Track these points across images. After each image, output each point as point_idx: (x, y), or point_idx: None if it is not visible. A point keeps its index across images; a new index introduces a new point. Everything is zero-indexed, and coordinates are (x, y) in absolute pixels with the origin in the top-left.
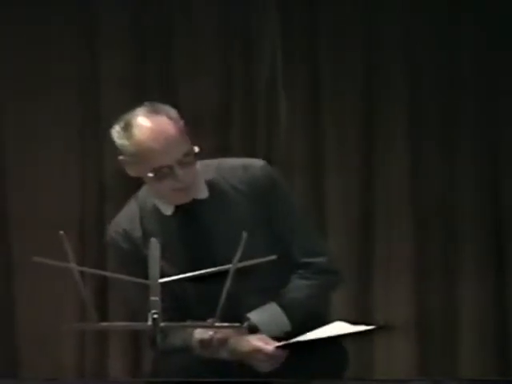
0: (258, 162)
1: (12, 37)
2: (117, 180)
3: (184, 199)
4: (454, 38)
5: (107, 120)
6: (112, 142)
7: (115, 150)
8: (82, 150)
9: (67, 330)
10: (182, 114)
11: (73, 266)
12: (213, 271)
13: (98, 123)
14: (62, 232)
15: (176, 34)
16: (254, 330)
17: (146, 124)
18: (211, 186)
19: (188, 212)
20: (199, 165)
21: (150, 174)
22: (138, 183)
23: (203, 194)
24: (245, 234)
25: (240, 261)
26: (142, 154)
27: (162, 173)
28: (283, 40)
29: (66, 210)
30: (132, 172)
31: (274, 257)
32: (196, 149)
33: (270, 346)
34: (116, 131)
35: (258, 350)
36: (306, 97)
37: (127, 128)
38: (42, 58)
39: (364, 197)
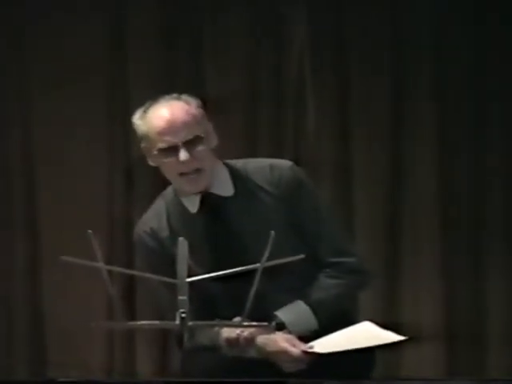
0: (285, 163)
1: (41, 24)
2: (146, 179)
3: (194, 187)
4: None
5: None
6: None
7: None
8: (110, 147)
9: (95, 329)
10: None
11: (100, 265)
12: (241, 270)
13: (126, 120)
14: (90, 231)
15: (205, 33)
16: (281, 327)
17: (161, 107)
18: (237, 184)
19: (213, 209)
20: (220, 163)
21: (155, 152)
22: (165, 182)
23: (228, 191)
24: (272, 233)
25: (267, 260)
26: (150, 132)
27: (168, 152)
28: (312, 41)
29: (94, 209)
30: (148, 156)
31: (302, 256)
32: (202, 134)
33: (297, 348)
34: (137, 113)
35: (284, 352)
36: (334, 97)
37: (146, 110)
38: (71, 47)
39: (391, 198)
